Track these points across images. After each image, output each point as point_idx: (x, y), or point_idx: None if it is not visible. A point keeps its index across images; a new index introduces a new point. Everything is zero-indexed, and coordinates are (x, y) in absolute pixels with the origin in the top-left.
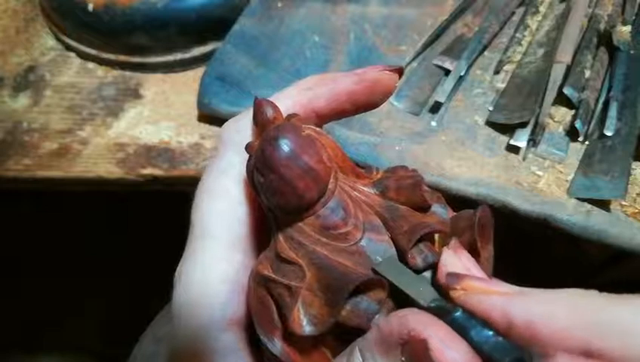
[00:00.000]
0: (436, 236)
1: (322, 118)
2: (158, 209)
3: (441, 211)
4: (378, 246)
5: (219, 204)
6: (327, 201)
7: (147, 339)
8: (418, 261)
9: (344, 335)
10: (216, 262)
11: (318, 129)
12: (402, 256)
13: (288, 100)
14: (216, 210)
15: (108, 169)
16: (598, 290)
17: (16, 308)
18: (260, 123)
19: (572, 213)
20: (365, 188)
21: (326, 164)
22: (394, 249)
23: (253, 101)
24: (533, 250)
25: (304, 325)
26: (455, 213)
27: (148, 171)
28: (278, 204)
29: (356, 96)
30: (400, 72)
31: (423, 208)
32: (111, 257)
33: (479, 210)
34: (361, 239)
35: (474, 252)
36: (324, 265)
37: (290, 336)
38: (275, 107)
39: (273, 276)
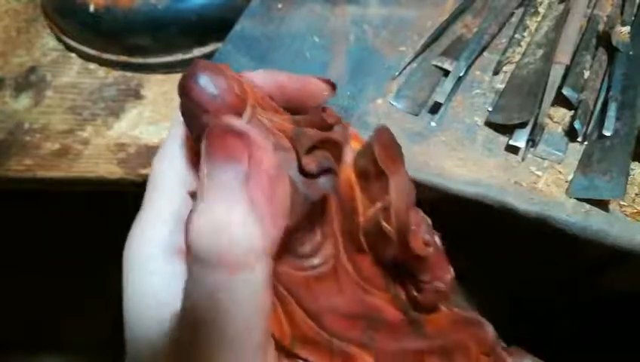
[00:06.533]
0: (348, 159)
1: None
2: None
3: (341, 130)
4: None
5: (165, 163)
6: None
7: None
8: (312, 166)
9: None
10: (161, 204)
11: (242, 74)
12: (300, 165)
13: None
14: (162, 168)
15: (109, 169)
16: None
17: (17, 308)
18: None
19: (571, 213)
20: (282, 121)
21: (237, 93)
22: (296, 162)
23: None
24: (532, 250)
25: None
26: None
27: (149, 171)
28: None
29: (285, 89)
30: (330, 84)
31: (325, 128)
32: (111, 257)
33: (375, 131)
34: None
35: (382, 176)
36: None
37: None
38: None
39: None
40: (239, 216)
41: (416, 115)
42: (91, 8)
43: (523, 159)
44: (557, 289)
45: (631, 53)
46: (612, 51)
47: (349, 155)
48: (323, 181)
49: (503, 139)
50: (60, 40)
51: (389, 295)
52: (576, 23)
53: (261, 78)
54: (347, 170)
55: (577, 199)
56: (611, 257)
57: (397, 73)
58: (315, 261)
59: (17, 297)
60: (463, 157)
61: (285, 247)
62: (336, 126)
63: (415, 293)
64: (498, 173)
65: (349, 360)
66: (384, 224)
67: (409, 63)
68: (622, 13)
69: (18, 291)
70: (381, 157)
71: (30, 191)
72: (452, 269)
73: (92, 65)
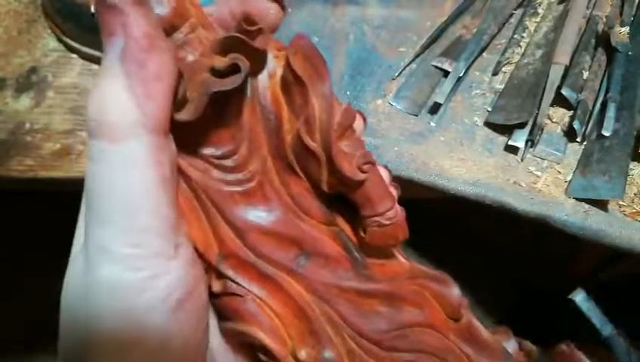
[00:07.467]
0: (277, 71)
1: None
2: None
3: (262, 39)
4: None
5: None
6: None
7: None
8: (220, 64)
9: None
10: None
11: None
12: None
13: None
14: None
15: None
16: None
17: (18, 308)
18: None
19: (570, 213)
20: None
21: (179, 10)
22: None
23: None
24: (531, 250)
25: None
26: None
27: None
28: None
29: (234, 12)
30: (277, 2)
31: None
32: None
33: (292, 39)
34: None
35: (302, 87)
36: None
37: None
38: None
39: None
40: (115, 89)
41: (416, 116)
42: (92, 9)
43: (522, 159)
44: (557, 289)
45: (630, 53)
46: (611, 52)
47: (278, 71)
48: (231, 79)
49: (502, 140)
50: (60, 41)
51: (330, 229)
52: (576, 23)
53: (213, 7)
54: (274, 85)
55: (576, 199)
56: (610, 257)
57: (397, 74)
58: (240, 175)
59: (18, 296)
60: (462, 158)
61: (193, 141)
62: (260, 36)
63: (362, 234)
64: (497, 173)
65: (276, 284)
66: (307, 139)
67: (409, 64)
68: (621, 14)
69: (18, 290)
70: (298, 65)
71: (31, 191)
72: (399, 208)
73: (93, 66)
